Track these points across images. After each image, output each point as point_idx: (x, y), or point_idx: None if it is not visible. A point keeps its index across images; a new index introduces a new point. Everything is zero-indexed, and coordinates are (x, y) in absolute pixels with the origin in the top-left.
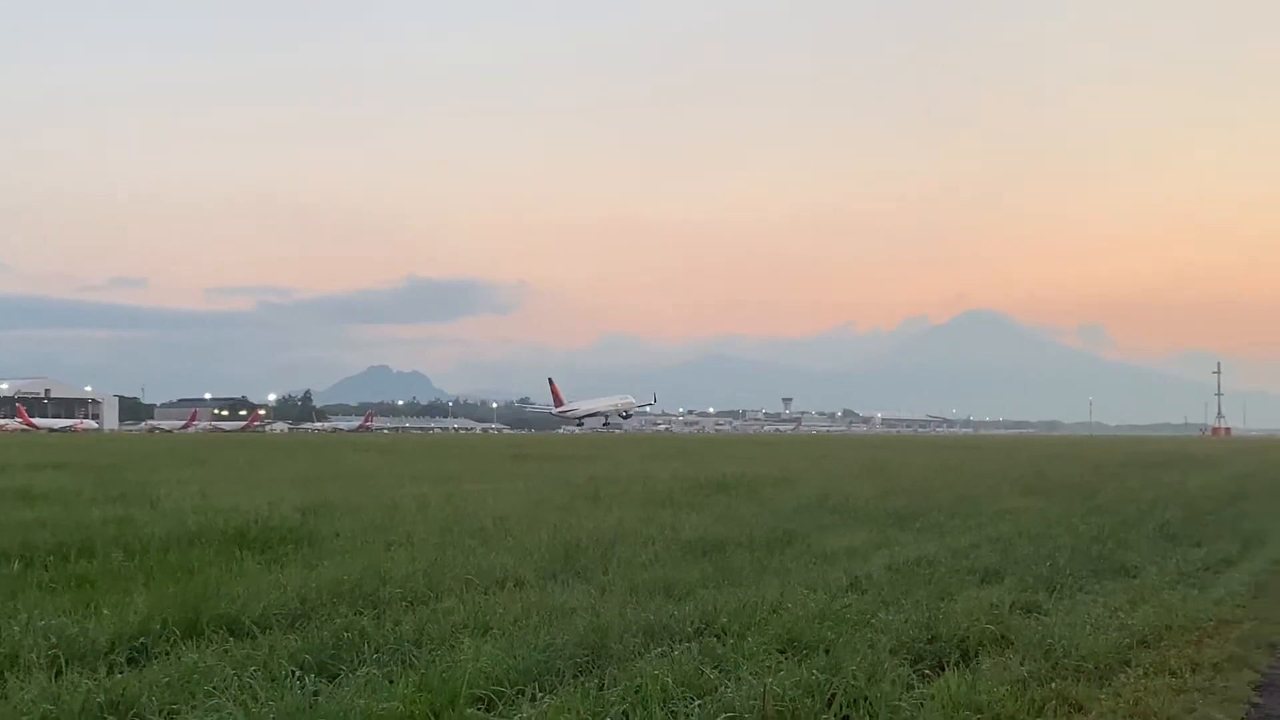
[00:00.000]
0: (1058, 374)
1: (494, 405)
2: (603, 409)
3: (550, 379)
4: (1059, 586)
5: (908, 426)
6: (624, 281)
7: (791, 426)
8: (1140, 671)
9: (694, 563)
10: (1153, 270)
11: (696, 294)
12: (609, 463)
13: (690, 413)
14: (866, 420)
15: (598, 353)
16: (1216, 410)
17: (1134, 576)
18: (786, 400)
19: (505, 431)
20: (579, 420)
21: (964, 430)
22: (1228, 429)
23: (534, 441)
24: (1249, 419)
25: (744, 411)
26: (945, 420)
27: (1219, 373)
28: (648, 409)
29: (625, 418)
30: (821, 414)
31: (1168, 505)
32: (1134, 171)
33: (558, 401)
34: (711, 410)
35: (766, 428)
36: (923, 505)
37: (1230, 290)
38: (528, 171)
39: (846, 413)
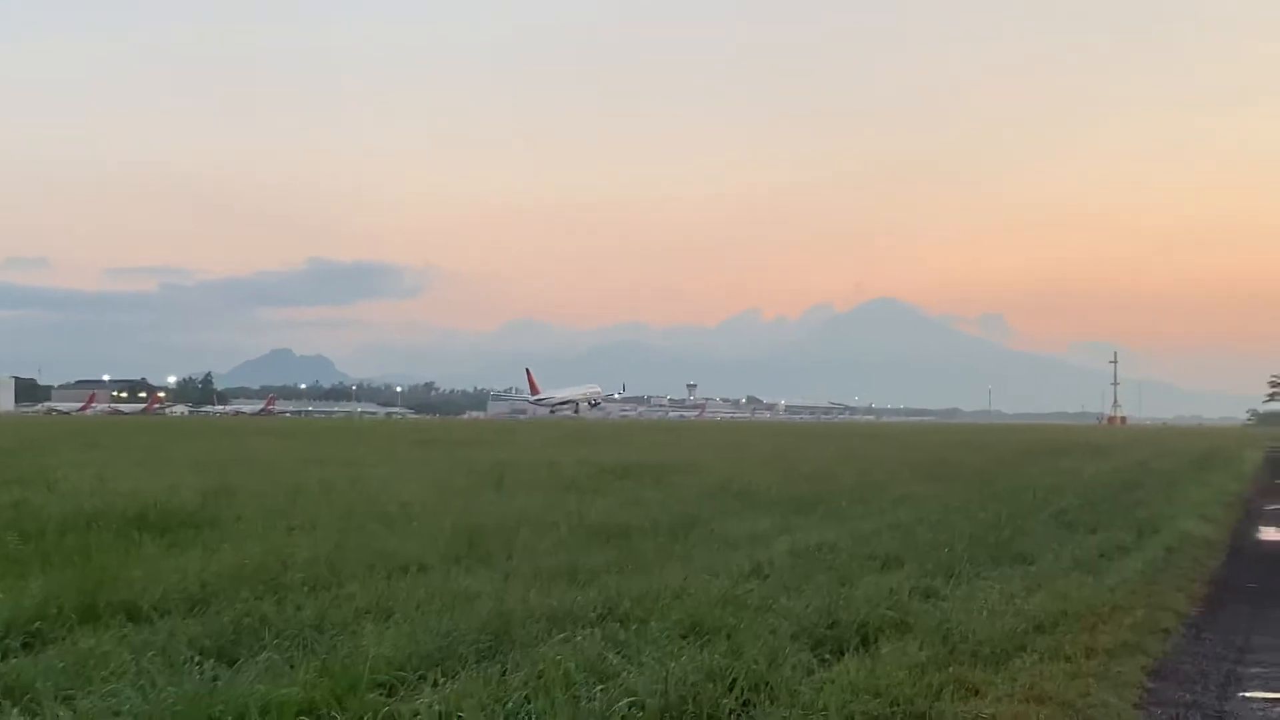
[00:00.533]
0: (960, 363)
1: (399, 389)
2: (574, 397)
3: (528, 370)
4: (958, 573)
5: (811, 414)
6: (533, 266)
7: (696, 413)
8: (1036, 657)
9: (599, 548)
10: (1052, 260)
11: (606, 279)
12: (515, 448)
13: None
14: (770, 407)
15: (504, 337)
16: (1113, 399)
17: (1031, 563)
18: (691, 386)
19: (410, 416)
20: (551, 408)
21: (866, 418)
22: (1124, 418)
23: (439, 427)
24: (1144, 408)
25: (649, 398)
26: (848, 408)
27: (1115, 362)
28: (615, 397)
29: (594, 406)
30: (726, 401)
31: (1064, 493)
32: (1035, 161)
33: (534, 390)
34: (617, 396)
35: (671, 414)
36: (825, 491)
37: (1129, 282)
38: (438, 153)
39: (751, 400)
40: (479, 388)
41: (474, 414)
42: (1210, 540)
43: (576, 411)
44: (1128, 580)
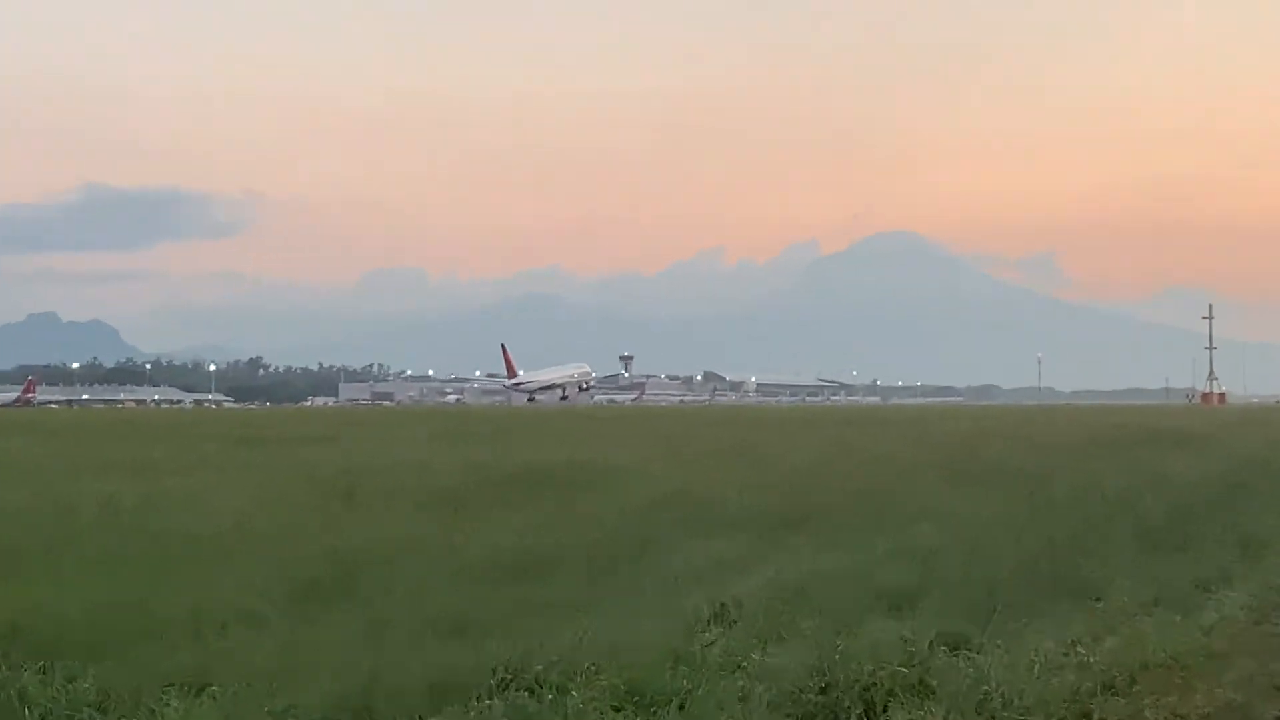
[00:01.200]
0: (997, 321)
1: (212, 368)
2: (559, 381)
3: (503, 345)
4: (997, 613)
5: (793, 395)
6: (403, 195)
7: (634, 395)
8: None
9: (501, 587)
10: (1120, 182)
11: (505, 212)
12: (378, 446)
13: (494, 376)
14: (736, 386)
15: (366, 295)
16: (1208, 370)
17: (1098, 598)
18: (626, 359)
19: (229, 405)
20: (530, 395)
21: (869, 399)
22: (1222, 395)
23: (269, 419)
24: (1251, 381)
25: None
26: (843, 385)
27: (1210, 318)
28: (621, 378)
29: (585, 389)
30: (675, 378)
31: (1143, 500)
32: (1096, 42)
33: (510, 372)
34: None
35: (600, 397)
36: (812, 503)
37: (1225, 208)
38: (262, 40)
39: (709, 376)
40: (327, 365)
41: (320, 400)
42: None
43: (564, 397)
44: (1230, 620)
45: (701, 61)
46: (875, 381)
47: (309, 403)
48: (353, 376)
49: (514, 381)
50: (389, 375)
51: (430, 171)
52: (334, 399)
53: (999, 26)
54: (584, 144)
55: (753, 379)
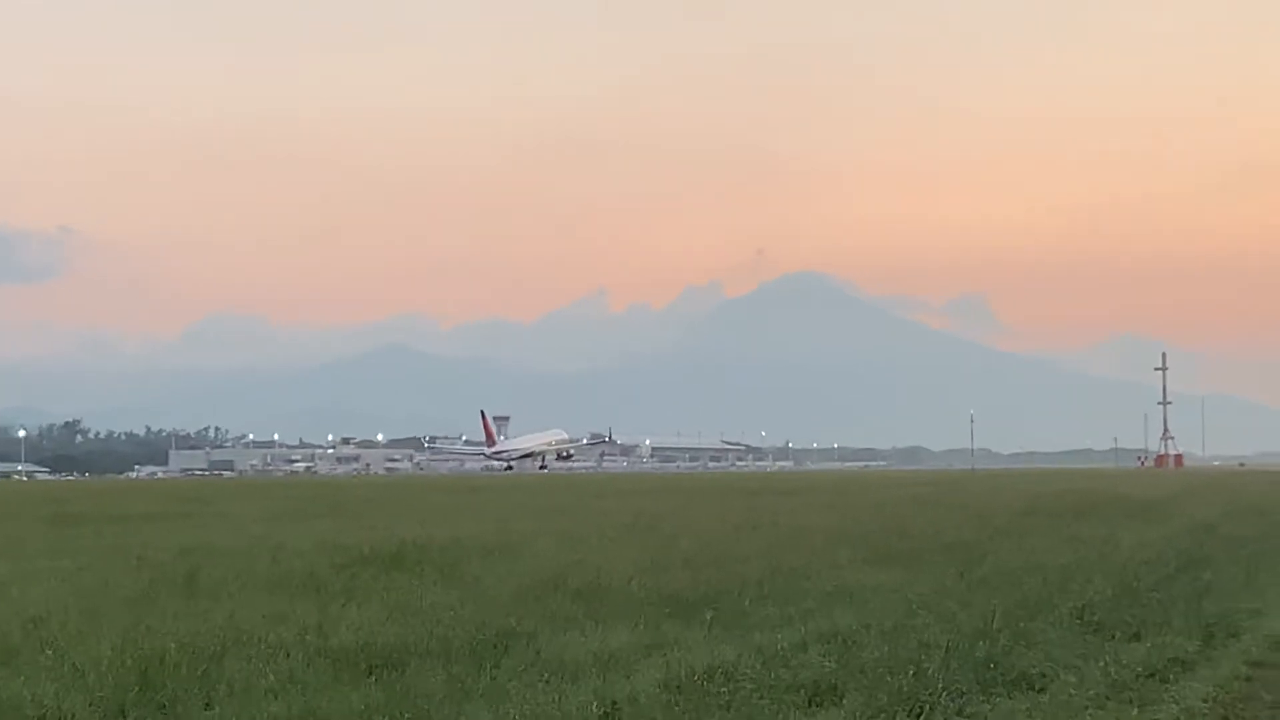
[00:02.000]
0: (921, 373)
1: (21, 434)
2: (536, 449)
3: (483, 412)
4: (928, 707)
5: (694, 459)
6: (240, 233)
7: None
8: None
9: (353, 685)
10: (1062, 211)
11: (355, 252)
12: (215, 525)
13: (349, 442)
14: (629, 450)
15: (198, 347)
16: (1162, 428)
17: (1041, 689)
18: (501, 420)
19: (42, 477)
20: (508, 464)
21: (781, 464)
22: (1178, 456)
23: (89, 493)
24: (1212, 440)
25: (434, 438)
26: (750, 448)
27: (1164, 369)
28: (605, 443)
29: (565, 457)
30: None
31: (1090, 576)
32: (1028, 65)
33: (490, 439)
34: (381, 437)
35: (471, 464)
36: (717, 584)
37: (1183, 243)
38: (76, 55)
39: (596, 438)
40: (155, 429)
41: (149, 470)
42: None
43: (543, 466)
44: (1192, 713)
45: (581, 84)
46: (787, 444)
47: (136, 473)
48: (185, 442)
49: (494, 450)
50: (227, 440)
51: (271, 206)
52: (165, 469)
53: (919, 44)
54: (447, 174)
55: (647, 441)
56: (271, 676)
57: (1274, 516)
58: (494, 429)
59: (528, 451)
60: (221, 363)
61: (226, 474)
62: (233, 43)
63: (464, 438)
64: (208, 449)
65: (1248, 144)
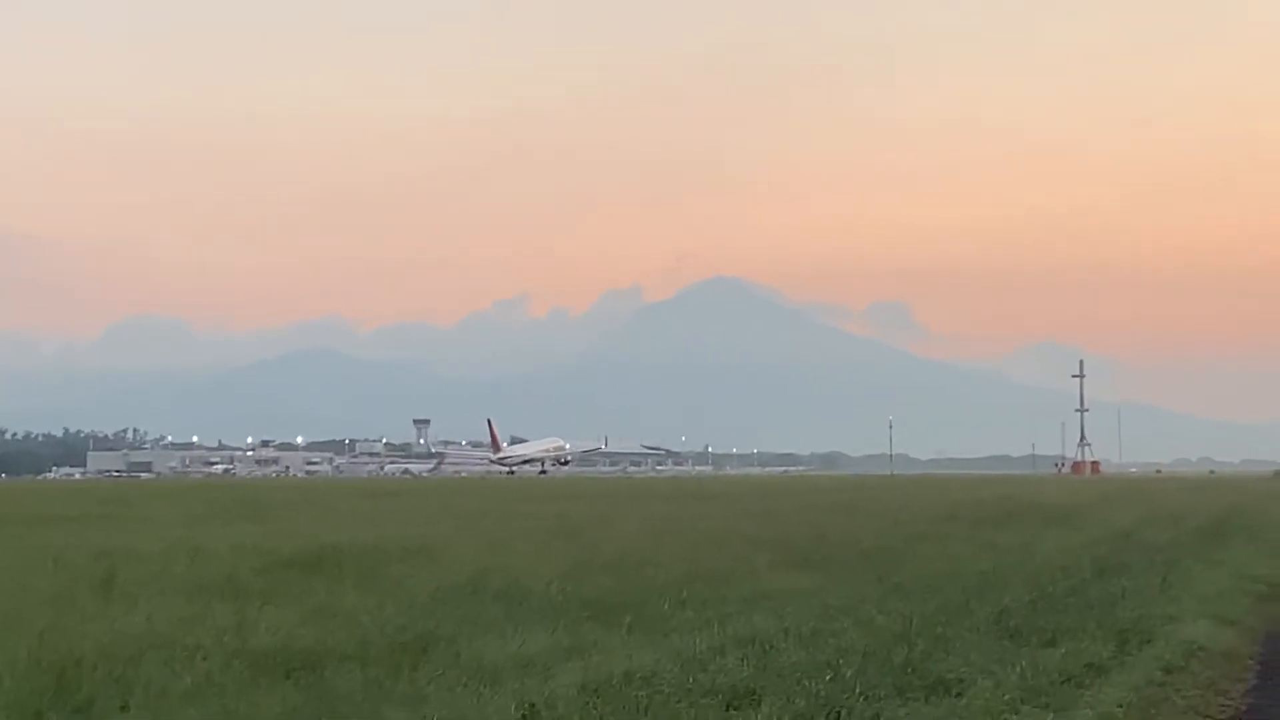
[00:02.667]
0: (841, 379)
1: None
2: (536, 455)
3: (489, 420)
4: (845, 711)
5: (612, 464)
6: (160, 234)
7: (430, 466)
8: None
9: (272, 688)
10: (981, 218)
11: (278, 254)
12: (133, 527)
13: (268, 444)
14: None
15: (117, 348)
16: (1079, 435)
17: (958, 694)
18: (421, 424)
19: None
20: (510, 469)
21: (700, 469)
22: (1095, 464)
23: (4, 494)
24: (1128, 447)
25: (354, 442)
26: (670, 453)
27: (1081, 376)
28: (601, 450)
29: (563, 464)
30: (478, 445)
31: (1007, 583)
32: (948, 69)
33: (495, 446)
34: (301, 441)
35: (390, 467)
36: (636, 588)
37: (1102, 251)
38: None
39: (516, 442)
40: (73, 430)
41: (66, 472)
42: (1230, 653)
43: (543, 471)
44: (1107, 718)
45: (502, 91)
46: (707, 448)
47: (52, 474)
48: (103, 444)
49: (499, 456)
50: (146, 442)
51: (192, 208)
52: (82, 470)
53: (841, 52)
54: (369, 179)
55: (567, 446)
56: (189, 679)
57: (1189, 523)
58: (499, 437)
59: (528, 458)
60: (141, 364)
61: (144, 476)
62: (158, 43)
63: (384, 440)
64: (126, 450)
65: (1167, 155)
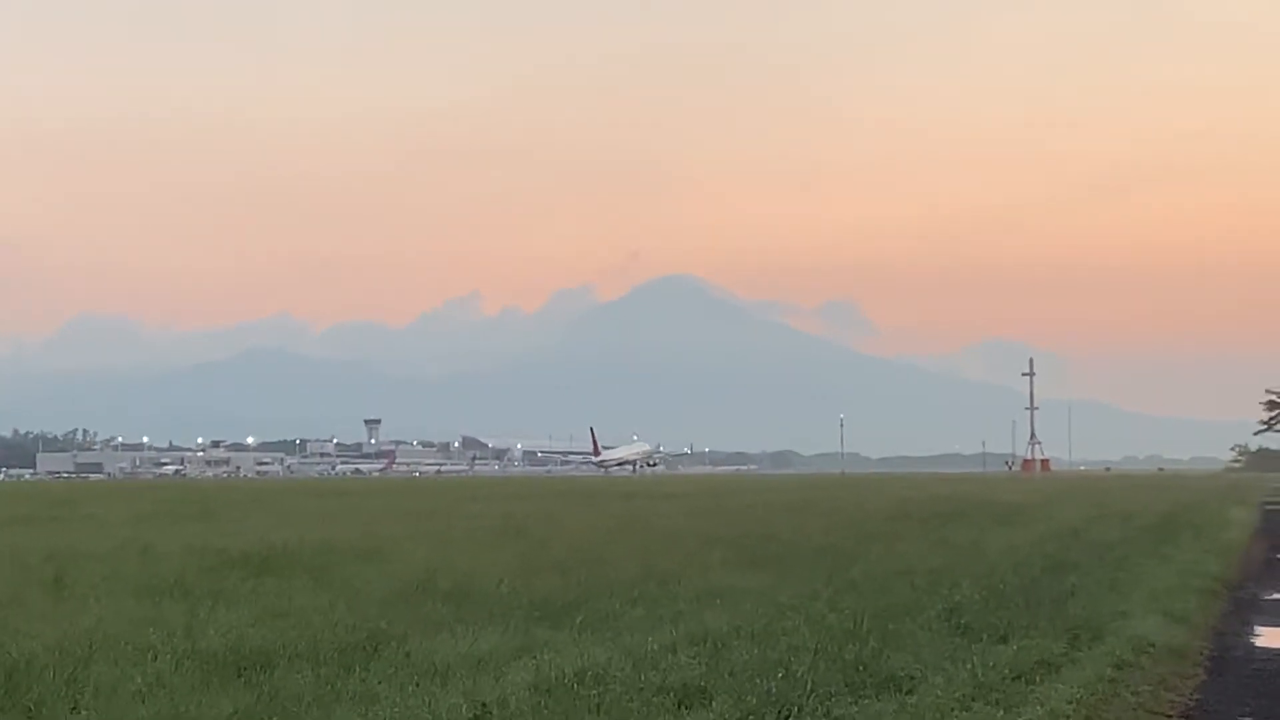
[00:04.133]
0: (791, 378)
1: None
2: (629, 458)
3: (591, 429)
4: (797, 709)
5: (565, 463)
6: (108, 232)
7: (382, 465)
8: None
9: (222, 688)
10: (931, 216)
11: (229, 253)
12: (83, 527)
13: (219, 445)
14: (500, 454)
15: (66, 348)
16: (1029, 433)
17: (909, 691)
18: (372, 423)
19: None
20: (607, 469)
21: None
22: (1045, 462)
23: None
24: (1078, 445)
25: (305, 442)
26: None
27: (1031, 374)
28: (686, 453)
29: (652, 466)
30: (429, 445)
31: (958, 580)
32: (899, 65)
33: (595, 450)
34: (252, 441)
35: (342, 467)
36: (588, 587)
37: (1052, 248)
38: None
39: (469, 442)
40: (22, 430)
41: (14, 473)
42: (1179, 649)
43: (635, 471)
44: (1057, 715)
45: (453, 88)
46: (659, 447)
47: (1, 476)
48: (53, 445)
49: (599, 459)
50: (96, 443)
51: (141, 206)
52: (31, 471)
53: (790, 50)
54: (319, 177)
55: (519, 445)
56: (139, 679)
57: (1139, 521)
58: (599, 442)
59: (624, 460)
60: (90, 364)
61: (94, 477)
62: (103, 42)
63: (335, 440)
64: (75, 451)
65: (1113, 152)
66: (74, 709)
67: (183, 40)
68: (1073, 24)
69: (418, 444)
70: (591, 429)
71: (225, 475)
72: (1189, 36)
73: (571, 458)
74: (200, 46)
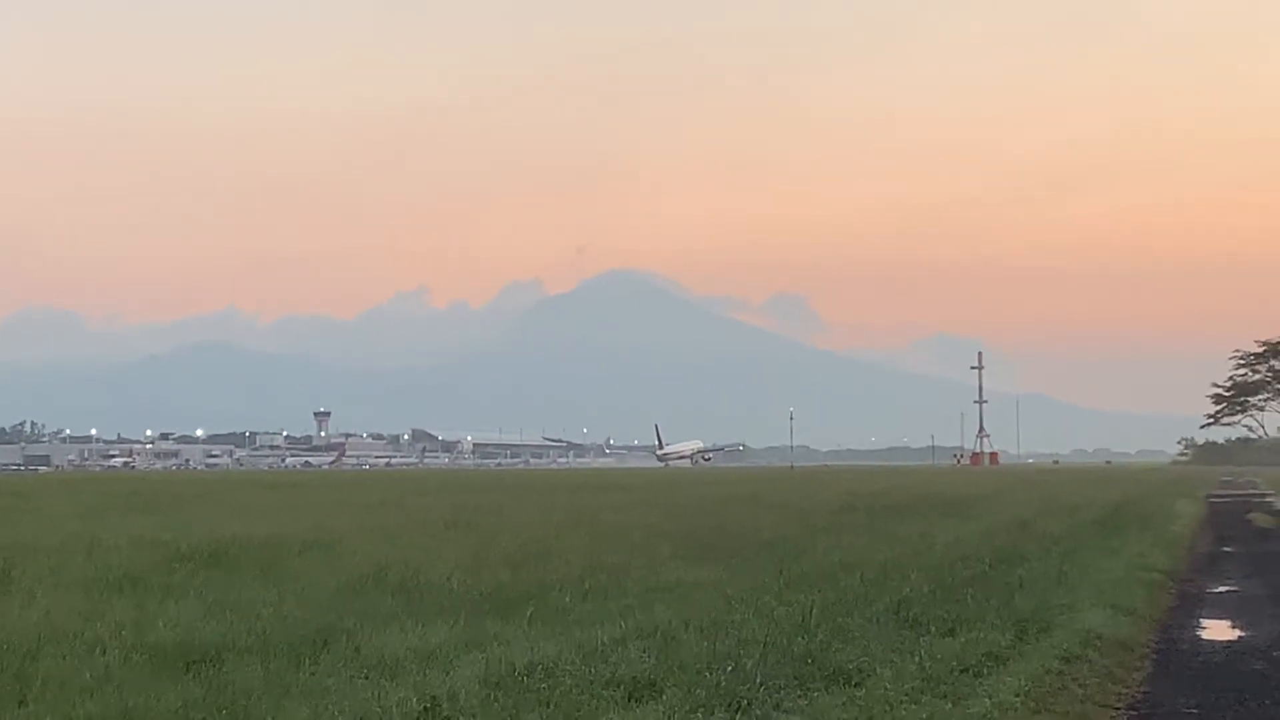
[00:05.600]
0: (741, 372)
1: None
2: (688, 452)
3: (656, 426)
4: (746, 703)
5: (515, 456)
6: (57, 226)
7: (331, 458)
8: None
9: (171, 682)
10: (880, 211)
11: (177, 246)
12: (30, 520)
13: (168, 437)
14: (451, 447)
15: (12, 341)
16: (977, 426)
17: (857, 684)
18: (322, 416)
19: None
20: (667, 463)
21: (602, 461)
22: (994, 455)
23: None
24: (1027, 438)
25: (254, 435)
26: (572, 445)
27: (980, 368)
28: (740, 448)
29: (707, 460)
30: (379, 438)
31: (906, 573)
32: (849, 57)
33: (660, 444)
34: (201, 433)
35: (291, 459)
36: (537, 580)
37: (1001, 244)
38: None
39: (419, 435)
40: None
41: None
42: (1127, 642)
43: (692, 464)
44: (1005, 707)
45: (402, 83)
46: (609, 441)
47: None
48: (0, 437)
49: (662, 453)
50: (44, 435)
51: (89, 199)
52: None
53: (740, 44)
54: (266, 170)
55: (468, 438)
56: (88, 674)
57: (1086, 514)
58: (662, 437)
59: (683, 454)
60: (37, 357)
61: (42, 469)
62: (52, 31)
63: (284, 433)
64: (23, 444)
65: (1061, 149)
66: (21, 703)
67: (127, 34)
68: (1016, 22)
69: (367, 437)
70: (656, 426)
71: (174, 468)
72: (1130, 36)
73: (520, 451)
74: (146, 40)
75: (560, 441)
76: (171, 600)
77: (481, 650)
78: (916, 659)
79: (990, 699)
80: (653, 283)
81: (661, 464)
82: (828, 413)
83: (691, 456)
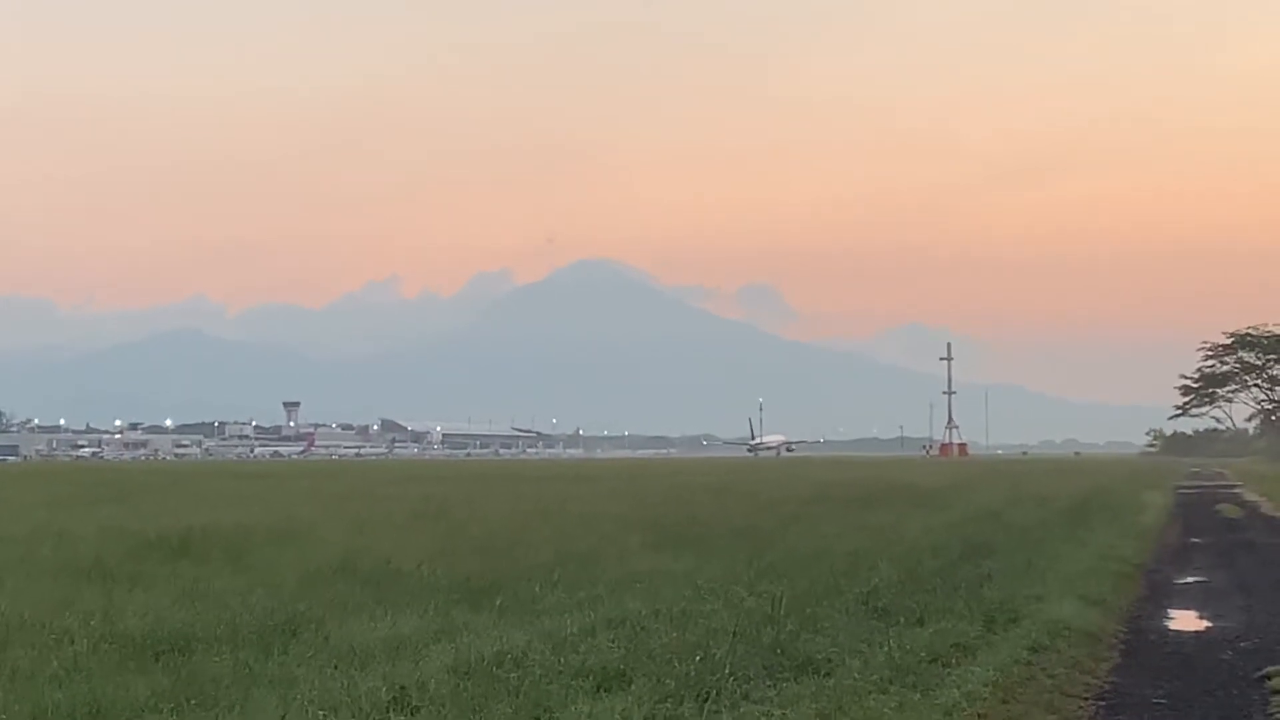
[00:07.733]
0: (710, 362)
1: None
2: (773, 444)
3: (750, 419)
4: (715, 693)
5: (484, 446)
6: (25, 213)
7: (301, 448)
8: None
9: (141, 671)
10: (851, 198)
11: (144, 235)
12: (3, 510)
13: (136, 427)
14: (419, 437)
15: None
16: (946, 417)
17: (827, 674)
18: (291, 406)
19: None
20: (755, 453)
21: (571, 452)
22: (963, 445)
23: None
24: (995, 429)
25: (223, 424)
26: (541, 435)
27: (950, 359)
28: (821, 442)
29: (790, 451)
30: (348, 427)
31: (875, 563)
32: (818, 42)
33: (752, 435)
34: (170, 423)
35: (260, 449)
36: (506, 570)
37: (970, 231)
38: None
39: (388, 425)
40: None
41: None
42: (1095, 633)
43: (777, 454)
44: (973, 697)
45: (371, 69)
46: (578, 431)
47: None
48: None
49: (754, 444)
50: (12, 425)
51: (55, 187)
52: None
53: (710, 30)
54: (235, 158)
55: (438, 428)
56: (56, 663)
57: (1055, 504)
58: (755, 428)
59: (770, 445)
60: (4, 345)
61: (10, 459)
62: (18, 18)
63: (253, 422)
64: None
65: (1032, 137)
66: None
67: (91, 21)
68: (988, 7)
69: (337, 426)
70: (750, 419)
71: (143, 458)
72: (1109, 20)
73: (490, 441)
74: (110, 27)
75: (530, 432)
76: (140, 590)
77: (451, 640)
78: (885, 649)
79: (959, 689)
80: (622, 272)
81: (751, 454)
82: (797, 403)
83: (777, 448)
